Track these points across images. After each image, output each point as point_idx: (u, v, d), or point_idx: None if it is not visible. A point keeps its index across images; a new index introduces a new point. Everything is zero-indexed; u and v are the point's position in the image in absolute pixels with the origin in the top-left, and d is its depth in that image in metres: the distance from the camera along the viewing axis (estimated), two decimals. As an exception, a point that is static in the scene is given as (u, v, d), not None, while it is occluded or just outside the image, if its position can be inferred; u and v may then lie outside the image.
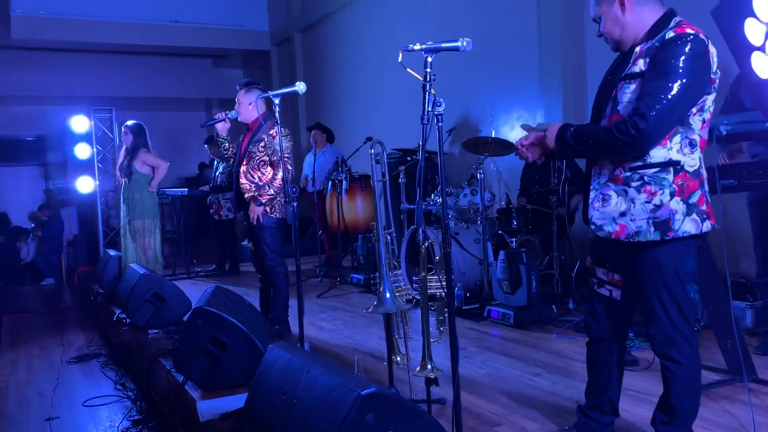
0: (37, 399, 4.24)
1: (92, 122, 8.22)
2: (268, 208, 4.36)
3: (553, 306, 4.83)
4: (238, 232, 8.29)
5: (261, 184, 4.36)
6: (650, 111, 2.03)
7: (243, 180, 4.40)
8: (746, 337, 3.62)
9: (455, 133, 7.11)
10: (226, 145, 4.57)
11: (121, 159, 6.24)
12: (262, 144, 4.36)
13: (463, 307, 5.05)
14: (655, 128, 2.05)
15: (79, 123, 8.28)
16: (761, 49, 2.46)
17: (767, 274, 3.52)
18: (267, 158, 4.38)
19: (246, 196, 4.40)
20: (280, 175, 4.31)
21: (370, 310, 2.72)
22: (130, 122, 6.35)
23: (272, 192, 4.34)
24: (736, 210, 4.04)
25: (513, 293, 4.64)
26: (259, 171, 4.38)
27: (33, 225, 10.89)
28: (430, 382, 2.75)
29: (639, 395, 3.08)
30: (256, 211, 4.33)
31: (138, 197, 6.05)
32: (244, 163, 4.41)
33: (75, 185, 8.68)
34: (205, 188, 8.15)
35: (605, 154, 2.20)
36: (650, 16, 2.20)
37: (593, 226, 2.27)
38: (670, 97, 2.03)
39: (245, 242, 4.59)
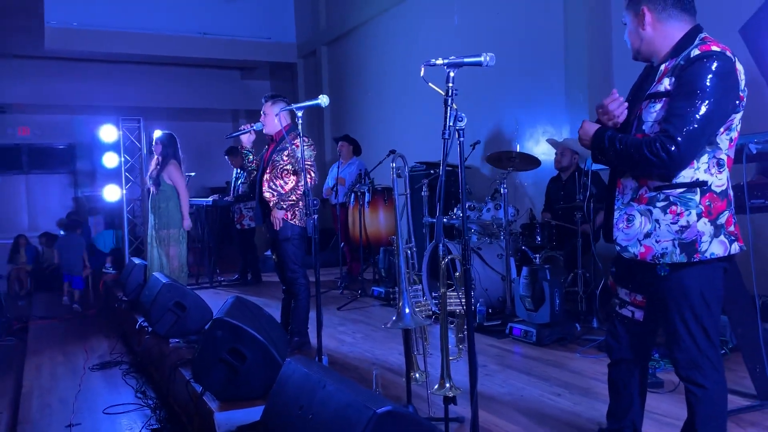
0: (59, 405, 4.29)
1: (121, 132, 8.35)
2: (289, 214, 4.37)
3: (577, 324, 4.75)
4: (259, 242, 8.34)
5: (283, 192, 4.37)
6: (680, 133, 1.98)
7: (266, 189, 4.42)
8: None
9: (479, 147, 7.07)
10: (251, 157, 4.59)
11: (151, 168, 6.31)
12: (286, 153, 4.38)
13: (485, 324, 4.99)
14: (686, 152, 2.00)
15: (108, 132, 8.42)
16: None
17: None
18: (290, 167, 4.38)
19: (271, 206, 4.41)
20: (302, 183, 4.32)
21: (389, 325, 2.69)
22: (160, 132, 6.42)
23: (294, 198, 4.36)
24: (765, 229, 3.95)
25: (536, 310, 4.58)
26: (282, 179, 4.39)
27: (62, 232, 11.06)
28: (448, 400, 2.71)
29: (663, 418, 3.00)
30: (278, 216, 4.34)
31: (165, 207, 6.10)
32: (267, 171, 4.43)
33: (102, 193, 8.81)
34: (229, 198, 8.21)
35: (630, 168, 2.15)
36: (675, 32, 2.15)
37: (618, 248, 2.22)
38: (698, 117, 1.98)
39: (268, 252, 4.59)
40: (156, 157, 6.27)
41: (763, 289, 4.33)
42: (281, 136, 4.39)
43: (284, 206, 4.34)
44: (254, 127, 4.44)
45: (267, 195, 4.40)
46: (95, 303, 8.58)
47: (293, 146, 4.30)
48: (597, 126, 2.25)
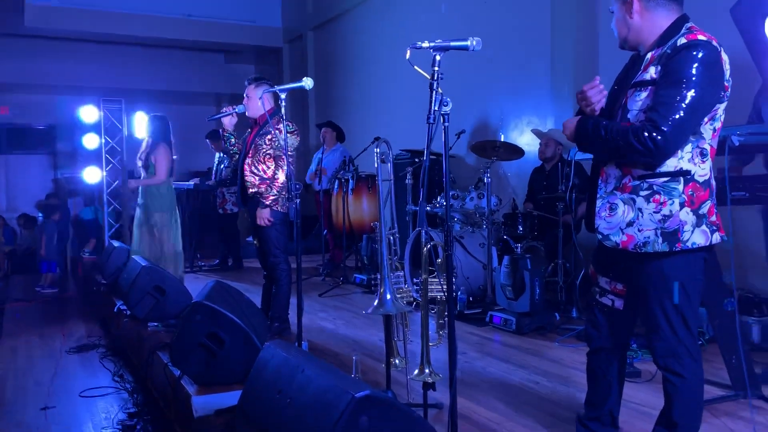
0: (34, 388, 4.23)
1: (102, 113, 8.22)
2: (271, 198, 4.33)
3: (556, 314, 4.78)
4: (241, 227, 8.28)
5: (266, 177, 4.33)
6: (666, 122, 1.98)
7: (248, 173, 4.37)
8: (752, 353, 3.56)
9: (464, 136, 7.06)
10: (233, 140, 4.54)
11: (141, 149, 6.21)
12: (269, 137, 4.32)
13: (465, 312, 5.01)
14: (673, 141, 2.00)
15: (89, 113, 8.27)
16: None
17: None
18: (272, 151, 4.34)
19: (250, 191, 4.37)
20: (282, 172, 4.28)
21: (369, 310, 2.68)
22: (152, 114, 6.32)
23: (275, 192, 4.31)
24: (743, 222, 3.98)
25: (516, 299, 4.60)
26: (264, 164, 4.35)
27: (41, 214, 10.91)
28: (427, 386, 2.72)
29: (640, 408, 3.03)
30: (263, 215, 4.30)
31: (155, 189, 6.02)
32: (250, 155, 4.38)
33: (82, 175, 8.68)
34: (211, 182, 8.14)
35: (615, 156, 2.14)
36: (662, 21, 2.15)
37: (600, 236, 2.22)
38: (684, 106, 1.98)
39: (250, 238, 4.54)
40: (147, 138, 6.18)
41: (741, 282, 4.40)
42: (264, 119, 4.33)
43: (267, 203, 4.29)
44: (236, 110, 4.38)
45: (249, 179, 4.36)
46: (73, 286, 8.48)
47: (276, 131, 4.25)
48: (578, 117, 2.25)
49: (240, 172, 4.47)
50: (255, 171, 4.36)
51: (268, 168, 4.34)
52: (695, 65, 1.99)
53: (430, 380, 2.67)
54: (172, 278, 4.94)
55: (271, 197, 4.30)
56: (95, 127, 8.31)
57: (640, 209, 2.12)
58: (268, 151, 4.34)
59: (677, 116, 1.98)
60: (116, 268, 6.18)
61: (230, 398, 2.96)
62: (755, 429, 2.58)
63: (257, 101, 4.33)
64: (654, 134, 1.99)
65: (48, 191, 11.77)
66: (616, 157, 2.15)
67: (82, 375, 4.47)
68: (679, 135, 2.01)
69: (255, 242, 4.58)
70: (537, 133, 5.91)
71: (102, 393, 4.06)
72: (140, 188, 6.09)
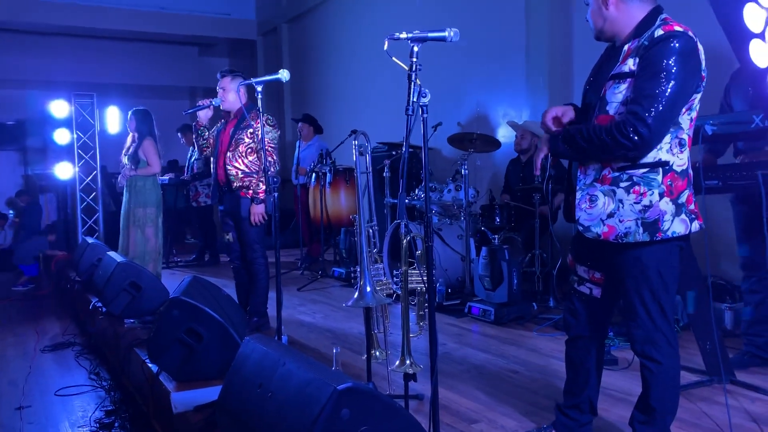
0: (8, 388, 4.15)
1: (73, 108, 8.07)
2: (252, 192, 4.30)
3: (534, 303, 4.83)
4: (216, 222, 8.21)
5: (249, 171, 4.29)
6: (649, 114, 1.99)
7: (231, 168, 4.31)
8: (725, 339, 3.63)
9: (441, 129, 7.07)
10: (206, 134, 4.48)
11: (127, 145, 6.12)
12: (251, 131, 4.27)
13: (444, 303, 5.03)
14: (657, 132, 2.02)
15: (59, 108, 8.11)
16: (761, 36, 2.38)
17: (751, 278, 3.48)
18: (254, 145, 4.29)
19: (234, 185, 4.33)
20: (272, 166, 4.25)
21: (349, 303, 2.67)
22: (134, 108, 6.23)
23: (263, 186, 4.26)
24: (716, 210, 4.05)
25: (494, 290, 4.63)
26: (246, 158, 4.30)
27: (11, 212, 10.69)
28: (408, 377, 2.72)
29: (618, 394, 3.07)
30: (259, 211, 4.26)
31: (142, 185, 5.95)
32: (231, 149, 4.31)
33: (54, 171, 8.53)
34: (185, 177, 8.05)
35: (601, 154, 2.13)
36: (637, 12, 2.16)
37: (581, 227, 2.22)
38: (666, 97, 1.99)
39: (230, 234, 4.46)
40: (131, 133, 6.10)
41: (714, 269, 4.47)
42: (241, 113, 4.28)
43: (262, 198, 4.25)
44: (213, 103, 4.32)
45: (233, 173, 4.31)
46: (47, 284, 8.34)
47: (256, 124, 4.20)
48: (546, 137, 2.28)
49: (215, 166, 4.41)
50: (237, 165, 4.30)
51: (252, 163, 4.30)
52: (674, 57, 2.00)
53: (410, 371, 2.68)
54: (148, 274, 4.88)
55: (262, 192, 4.26)
56: (66, 123, 8.16)
57: (620, 200, 2.13)
58: (250, 145, 4.29)
59: (660, 107, 2.00)
60: (91, 264, 6.08)
61: (210, 394, 2.94)
62: (729, 413, 2.63)
63: (234, 94, 4.29)
64: (639, 127, 2.00)
65: (19, 188, 11.55)
66: (601, 154, 2.13)
67: (57, 374, 4.40)
68: (662, 126, 2.03)
69: (228, 237, 4.51)
70: (513, 125, 5.94)
71: (78, 391, 4.00)
72: (126, 184, 6.02)
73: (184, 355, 3.22)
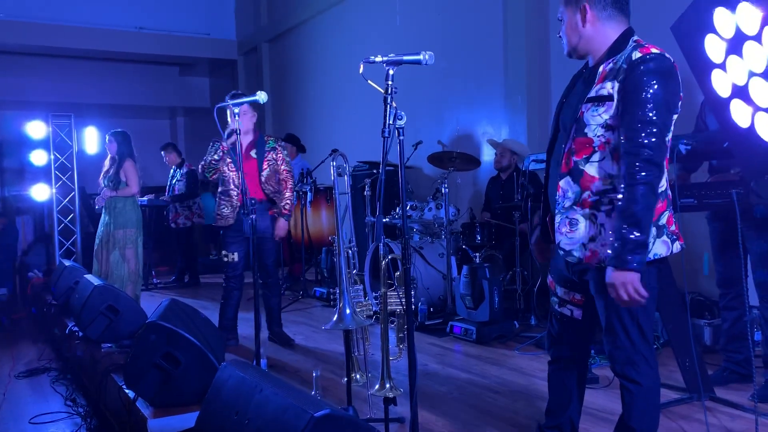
0: (-20, 416, 4.06)
1: (50, 128, 7.98)
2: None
3: (515, 322, 4.83)
4: (199, 241, 8.14)
5: (275, 190, 4.63)
6: (651, 140, 1.97)
7: (267, 186, 4.59)
8: (705, 355, 3.65)
9: (422, 147, 7.10)
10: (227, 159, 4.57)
11: (106, 167, 6.07)
12: (282, 155, 4.69)
13: (426, 323, 5.01)
14: (660, 156, 2.01)
15: (36, 129, 8.03)
16: (721, 66, 2.42)
17: (728, 295, 3.50)
18: (276, 167, 4.65)
19: (266, 202, 4.59)
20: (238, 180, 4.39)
21: (329, 326, 2.65)
22: (112, 131, 6.19)
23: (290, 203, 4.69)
24: (692, 226, 4.09)
25: (476, 308, 4.62)
26: (273, 178, 4.64)
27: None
28: (388, 401, 2.69)
29: (599, 413, 3.07)
30: (284, 226, 4.64)
31: (122, 206, 5.90)
32: (264, 169, 4.58)
33: (30, 193, 8.42)
34: (165, 198, 7.98)
35: (655, 189, 2.02)
36: (612, 32, 2.16)
37: (561, 251, 2.19)
38: (657, 120, 1.98)
39: (234, 254, 4.28)
40: (110, 156, 6.05)
41: (692, 286, 4.51)
42: (258, 135, 4.64)
43: (289, 214, 4.69)
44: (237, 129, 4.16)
45: (267, 191, 4.59)
46: (22, 308, 8.19)
47: (285, 153, 4.74)
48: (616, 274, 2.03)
49: (243, 184, 4.13)
50: (273, 185, 4.63)
51: (276, 182, 4.65)
52: (656, 79, 2.00)
53: (391, 395, 2.65)
54: (126, 297, 4.81)
55: (287, 210, 4.66)
56: (43, 143, 8.08)
57: (602, 224, 2.10)
58: (273, 166, 4.63)
59: (656, 129, 1.98)
60: (67, 287, 5.99)
61: (187, 420, 2.89)
62: (709, 431, 2.63)
63: (250, 117, 4.62)
64: (647, 157, 1.98)
65: (-6, 209, 11.37)
66: (655, 191, 2.03)
67: (32, 400, 4.31)
68: (663, 147, 2.02)
69: (232, 257, 4.33)
70: (492, 143, 5.98)
71: (54, 418, 3.91)
72: (105, 206, 5.96)
73: (162, 380, 3.16)
